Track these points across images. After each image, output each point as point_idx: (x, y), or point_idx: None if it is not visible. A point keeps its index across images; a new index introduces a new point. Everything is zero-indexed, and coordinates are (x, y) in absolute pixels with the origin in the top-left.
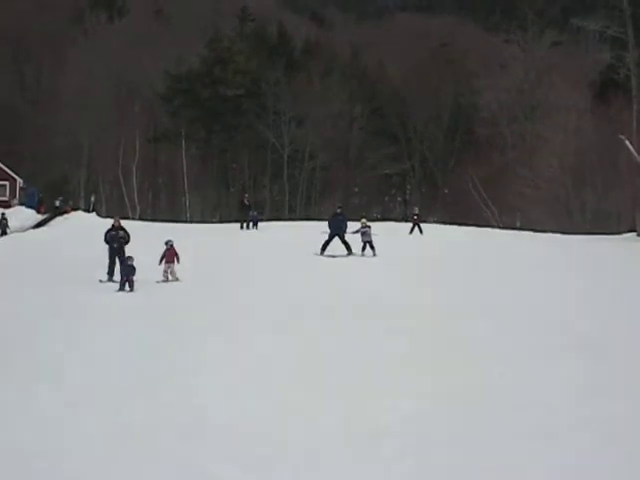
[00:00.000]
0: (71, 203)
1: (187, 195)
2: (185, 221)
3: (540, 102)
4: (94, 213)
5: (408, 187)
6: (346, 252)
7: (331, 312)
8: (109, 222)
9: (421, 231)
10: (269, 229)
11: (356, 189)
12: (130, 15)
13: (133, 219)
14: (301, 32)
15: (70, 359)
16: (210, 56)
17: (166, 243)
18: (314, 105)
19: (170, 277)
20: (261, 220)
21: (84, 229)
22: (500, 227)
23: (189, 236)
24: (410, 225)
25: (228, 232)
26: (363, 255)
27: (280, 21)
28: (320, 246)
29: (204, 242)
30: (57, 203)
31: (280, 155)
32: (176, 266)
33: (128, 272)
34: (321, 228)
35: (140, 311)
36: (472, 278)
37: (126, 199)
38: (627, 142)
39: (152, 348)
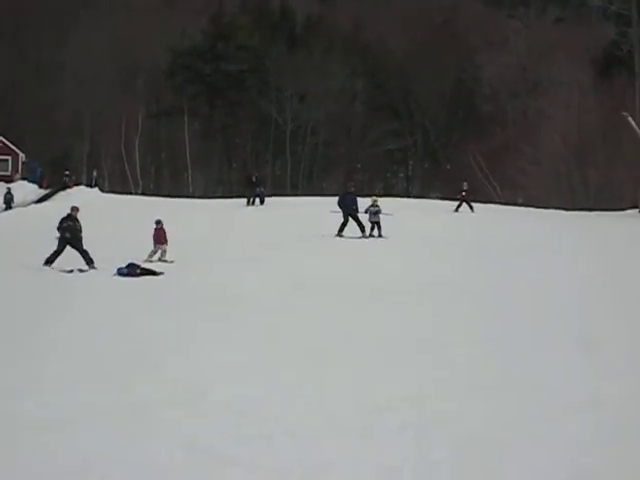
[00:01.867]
0: (74, 178)
1: (190, 170)
2: (188, 196)
3: (542, 78)
4: (96, 188)
5: (410, 163)
6: (360, 233)
7: (336, 291)
8: (112, 197)
9: (471, 208)
10: (275, 205)
11: (358, 165)
12: None
13: (136, 194)
14: (303, 7)
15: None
16: (212, 31)
17: (156, 223)
18: (316, 81)
19: (161, 258)
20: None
21: (86, 204)
22: (502, 203)
23: (195, 212)
24: (457, 203)
25: (234, 208)
26: (371, 236)
27: None
28: (337, 228)
29: (212, 219)
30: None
31: (282, 131)
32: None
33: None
34: (327, 205)
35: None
36: (474, 257)
37: (128, 174)
38: (630, 119)
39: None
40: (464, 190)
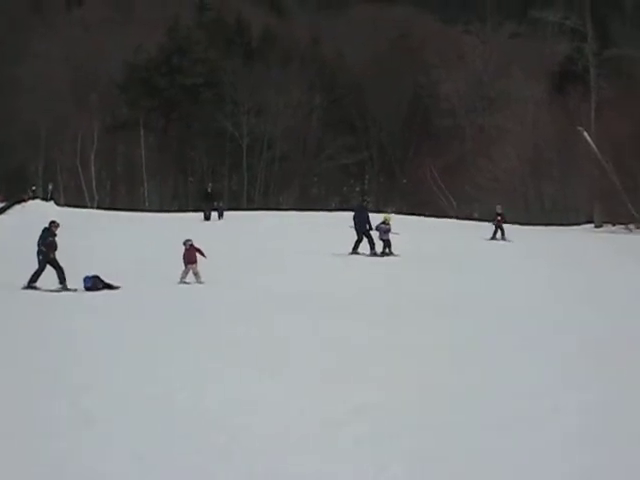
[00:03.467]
0: (34, 190)
1: (145, 184)
2: (144, 210)
3: (499, 93)
4: (52, 202)
5: (367, 177)
6: (369, 251)
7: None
8: (68, 211)
9: (503, 234)
10: (234, 219)
11: (315, 179)
12: (89, 3)
13: (92, 208)
14: (259, 21)
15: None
16: (168, 45)
17: (184, 244)
18: (273, 95)
19: (195, 279)
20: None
21: (42, 218)
22: (458, 218)
23: (148, 227)
24: (492, 228)
25: (192, 223)
26: (384, 254)
27: (238, 10)
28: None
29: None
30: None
31: (238, 145)
32: (198, 266)
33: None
34: (285, 218)
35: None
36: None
37: (84, 188)
38: (585, 134)
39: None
40: (499, 214)
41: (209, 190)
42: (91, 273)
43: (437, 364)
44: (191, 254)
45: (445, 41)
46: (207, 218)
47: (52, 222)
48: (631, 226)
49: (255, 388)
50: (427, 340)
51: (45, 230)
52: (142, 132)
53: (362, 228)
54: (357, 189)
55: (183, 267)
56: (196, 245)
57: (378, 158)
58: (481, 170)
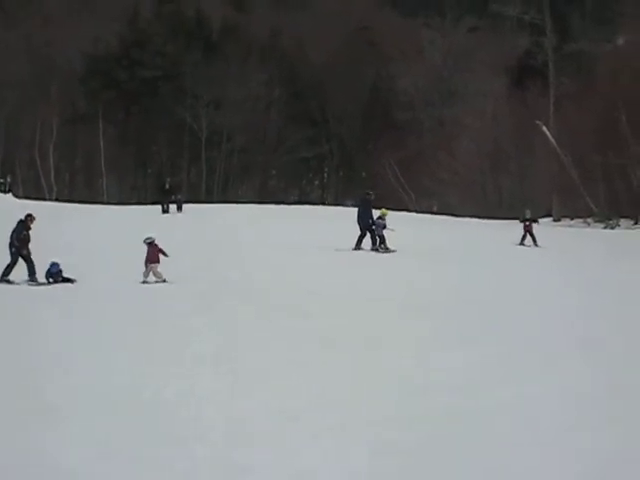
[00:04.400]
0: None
1: (104, 176)
2: (102, 202)
3: (458, 87)
4: (10, 194)
5: (326, 170)
6: (371, 246)
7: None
8: (26, 203)
9: (534, 240)
10: (193, 212)
11: (274, 172)
12: None
13: (50, 200)
14: (219, 14)
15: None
16: (128, 38)
17: (146, 242)
18: (232, 88)
19: (155, 278)
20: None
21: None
22: (417, 211)
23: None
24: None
25: (151, 216)
26: (379, 250)
27: (198, 3)
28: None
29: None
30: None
31: (198, 138)
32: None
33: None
34: (246, 211)
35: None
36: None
37: (42, 180)
38: (544, 128)
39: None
40: (527, 219)
41: (167, 183)
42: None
43: (402, 356)
44: (153, 253)
45: (405, 35)
46: (165, 211)
47: (28, 215)
48: (589, 220)
49: (214, 382)
50: (378, 332)
51: (20, 223)
52: (101, 124)
53: (366, 223)
54: (316, 182)
55: (144, 266)
56: (158, 244)
57: (337, 151)
58: (440, 164)
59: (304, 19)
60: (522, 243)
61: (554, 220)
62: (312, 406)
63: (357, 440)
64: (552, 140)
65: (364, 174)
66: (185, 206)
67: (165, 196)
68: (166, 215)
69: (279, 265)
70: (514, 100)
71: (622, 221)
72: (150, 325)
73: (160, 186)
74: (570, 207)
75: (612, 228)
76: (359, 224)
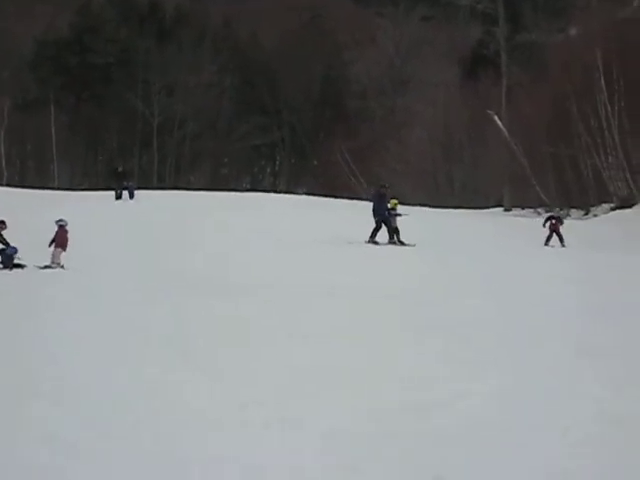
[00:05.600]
0: None
1: (55, 162)
2: (53, 188)
3: (410, 76)
4: None
5: (277, 158)
6: (388, 239)
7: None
8: None
9: (561, 240)
10: (146, 199)
11: (225, 159)
12: None
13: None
14: (172, 1)
15: None
16: (79, 23)
17: (58, 223)
18: (185, 75)
19: (55, 263)
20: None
21: None
22: (368, 199)
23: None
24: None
25: (104, 202)
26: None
27: None
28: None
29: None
30: None
31: (149, 124)
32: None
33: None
34: (198, 198)
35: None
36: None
37: None
38: (495, 117)
39: None
40: (554, 217)
41: (120, 169)
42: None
43: (356, 347)
44: (62, 237)
45: (358, 23)
46: (119, 197)
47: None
48: (540, 209)
49: (167, 373)
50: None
51: None
52: (53, 110)
53: (382, 216)
54: (268, 170)
55: (53, 249)
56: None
57: (289, 139)
58: (392, 152)
59: (257, 7)
60: (547, 243)
61: (505, 210)
62: (267, 396)
63: (310, 431)
64: (503, 130)
65: (316, 162)
66: (137, 193)
67: (118, 182)
68: (119, 201)
69: (224, 254)
70: (466, 89)
71: (572, 211)
72: (108, 315)
73: (113, 172)
74: (521, 197)
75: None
76: (374, 217)
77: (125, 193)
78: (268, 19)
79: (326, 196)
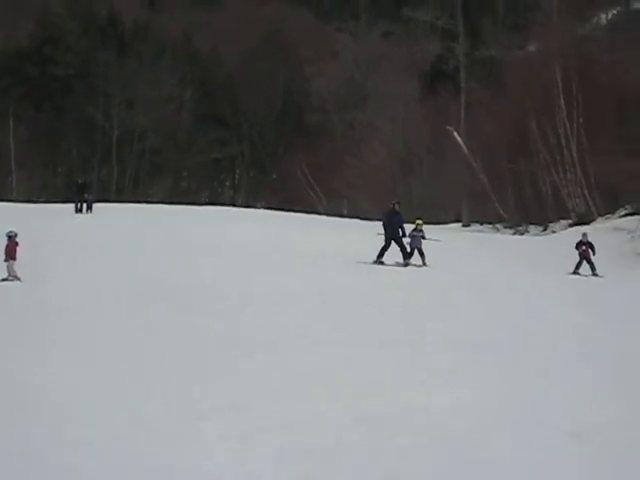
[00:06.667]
0: None
1: (14, 174)
2: (11, 200)
3: (370, 91)
4: None
5: (237, 172)
6: (402, 260)
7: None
8: None
9: (593, 268)
10: (104, 212)
11: (185, 173)
12: None
13: None
14: (132, 13)
15: None
16: (39, 34)
17: (7, 234)
18: (144, 87)
19: (12, 276)
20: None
21: None
22: (327, 214)
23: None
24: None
25: (63, 215)
26: (409, 264)
27: (111, 1)
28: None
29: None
30: None
31: (109, 137)
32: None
33: None
34: (154, 212)
35: None
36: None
37: None
38: (454, 133)
39: None
40: (584, 243)
41: (80, 182)
42: None
43: (303, 360)
44: (11, 249)
45: (318, 38)
46: (79, 210)
47: None
48: (498, 225)
49: (127, 383)
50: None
51: None
52: (11, 122)
53: (393, 234)
54: (227, 184)
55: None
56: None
57: (249, 153)
58: (351, 167)
59: (217, 20)
60: (576, 271)
61: (463, 225)
62: (224, 408)
63: (265, 444)
64: (462, 145)
65: (275, 176)
66: (95, 206)
67: (78, 195)
68: (78, 214)
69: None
70: (426, 105)
71: (531, 227)
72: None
73: (73, 185)
74: (479, 212)
75: (521, 234)
76: (385, 236)
77: (84, 206)
78: (228, 33)
79: (285, 210)
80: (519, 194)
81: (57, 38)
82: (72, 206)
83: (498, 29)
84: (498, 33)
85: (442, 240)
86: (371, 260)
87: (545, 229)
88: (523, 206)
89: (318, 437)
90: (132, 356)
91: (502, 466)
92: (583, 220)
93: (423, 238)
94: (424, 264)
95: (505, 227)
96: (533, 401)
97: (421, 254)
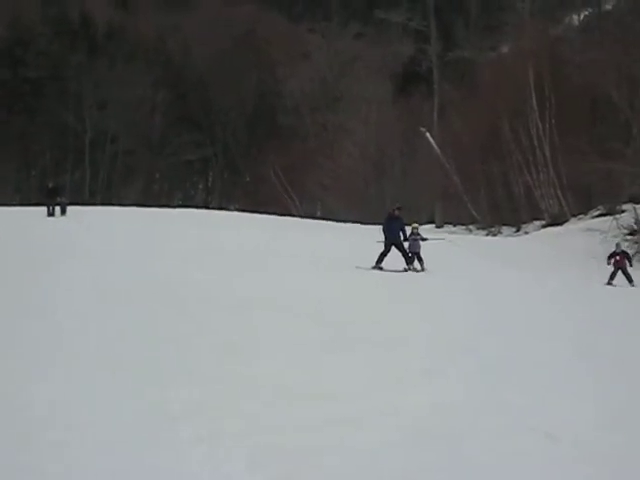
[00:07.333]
0: None
1: None
2: None
3: (343, 92)
4: None
5: (210, 174)
6: (404, 266)
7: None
8: None
9: (629, 278)
10: (78, 215)
11: (157, 175)
12: None
13: None
14: (104, 15)
15: None
16: (11, 36)
17: None
18: (117, 90)
19: None
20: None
21: None
22: (301, 216)
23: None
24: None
25: (36, 218)
26: (410, 269)
27: (83, 4)
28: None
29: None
30: None
31: (81, 139)
32: None
33: None
34: (127, 215)
35: None
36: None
37: None
38: (427, 134)
39: None
40: (618, 253)
41: (52, 185)
42: None
43: (281, 360)
44: None
45: (291, 39)
46: (51, 214)
47: None
48: (471, 226)
49: (85, 385)
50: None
51: None
52: None
53: (393, 239)
54: (200, 186)
55: None
56: None
57: (222, 155)
58: (324, 169)
59: (190, 22)
60: (610, 282)
61: (437, 227)
62: (196, 410)
63: (236, 447)
64: (435, 147)
65: (248, 178)
66: (69, 208)
67: (51, 198)
68: (51, 218)
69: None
70: (399, 106)
71: (504, 228)
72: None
73: (45, 187)
74: (452, 214)
75: (494, 235)
76: (385, 241)
77: (57, 209)
78: (201, 34)
79: (258, 212)
80: (492, 195)
81: (28, 40)
82: (45, 210)
83: (471, 30)
84: (471, 34)
85: (446, 238)
86: (370, 265)
87: (518, 230)
88: (496, 207)
89: (293, 439)
90: (105, 360)
91: (474, 467)
92: (556, 221)
93: (423, 240)
94: (422, 269)
95: (478, 228)
96: (513, 402)
97: (419, 259)
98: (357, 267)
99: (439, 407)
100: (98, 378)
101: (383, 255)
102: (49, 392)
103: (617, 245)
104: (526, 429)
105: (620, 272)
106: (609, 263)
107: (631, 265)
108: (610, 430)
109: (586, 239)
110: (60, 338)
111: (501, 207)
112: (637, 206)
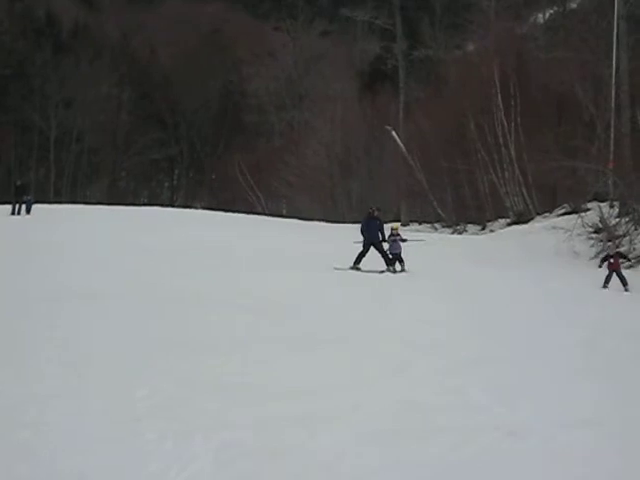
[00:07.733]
0: None
1: None
2: None
3: (308, 91)
4: None
5: (176, 172)
6: (385, 267)
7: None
8: None
9: (624, 283)
10: (45, 213)
11: (123, 173)
12: None
13: None
14: (70, 14)
15: None
16: None
17: None
18: (82, 88)
19: None
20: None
21: None
22: (266, 214)
23: None
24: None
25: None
26: (390, 271)
27: (48, 2)
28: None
29: None
30: None
31: (46, 137)
32: None
33: None
34: (97, 212)
35: None
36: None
37: None
38: (393, 133)
39: None
40: (612, 256)
41: (18, 183)
42: None
43: (257, 363)
44: None
45: (256, 38)
46: (17, 212)
47: None
48: (437, 224)
49: (54, 384)
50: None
51: None
52: None
53: (371, 239)
54: (166, 184)
55: None
56: None
57: (188, 153)
58: (290, 167)
59: (155, 21)
60: (605, 285)
61: (402, 225)
62: (161, 408)
63: (201, 446)
64: (401, 145)
65: (214, 176)
66: (34, 207)
67: (17, 196)
68: (15, 216)
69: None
70: (364, 104)
71: (469, 226)
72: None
73: (13, 185)
74: (418, 212)
75: (459, 233)
76: (363, 242)
77: (23, 208)
78: (167, 33)
79: (224, 210)
80: (457, 193)
81: None
82: (9, 208)
83: (436, 29)
84: (436, 33)
85: (426, 240)
86: (347, 266)
87: (483, 228)
88: (461, 205)
89: (259, 438)
90: (69, 360)
91: (441, 465)
92: (521, 219)
93: (403, 241)
94: (403, 270)
95: (443, 226)
96: (478, 401)
97: (400, 260)
98: (335, 268)
99: (406, 406)
100: (62, 378)
101: (361, 255)
102: (16, 392)
103: (609, 247)
104: (492, 428)
105: (615, 275)
106: (601, 266)
107: (629, 260)
108: (575, 427)
109: (551, 237)
110: (23, 338)
111: (466, 205)
112: (602, 204)
